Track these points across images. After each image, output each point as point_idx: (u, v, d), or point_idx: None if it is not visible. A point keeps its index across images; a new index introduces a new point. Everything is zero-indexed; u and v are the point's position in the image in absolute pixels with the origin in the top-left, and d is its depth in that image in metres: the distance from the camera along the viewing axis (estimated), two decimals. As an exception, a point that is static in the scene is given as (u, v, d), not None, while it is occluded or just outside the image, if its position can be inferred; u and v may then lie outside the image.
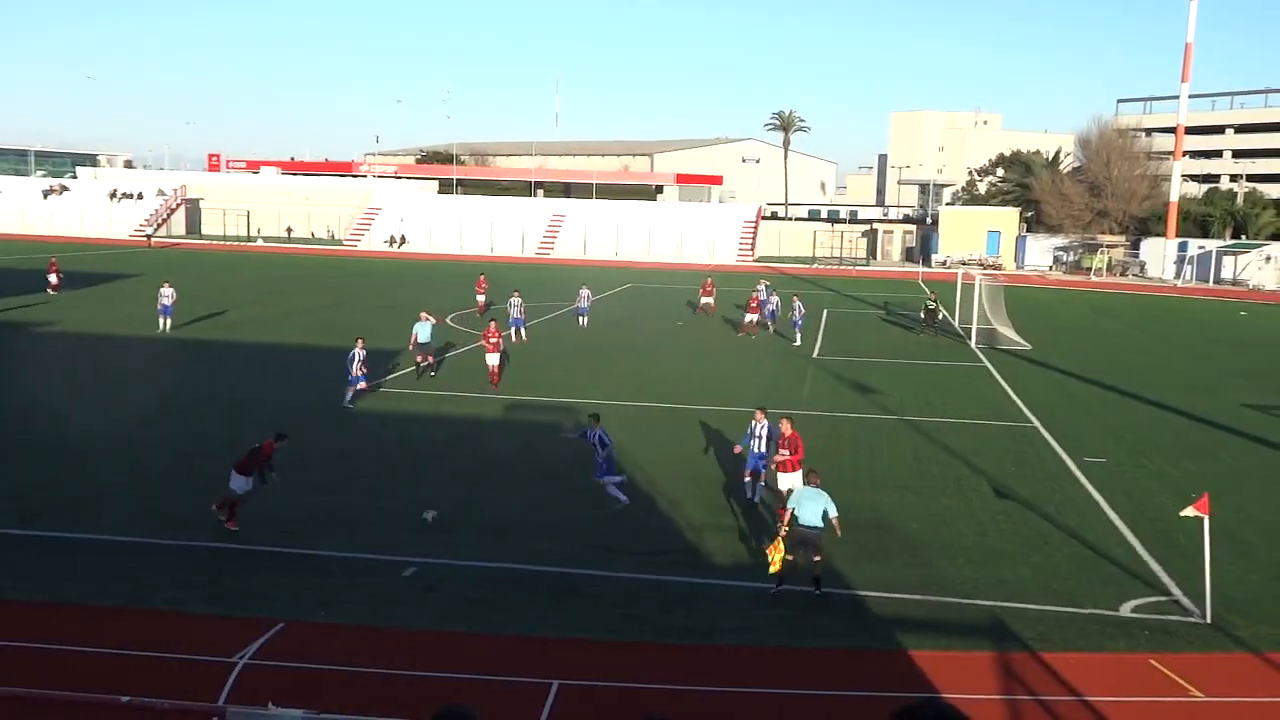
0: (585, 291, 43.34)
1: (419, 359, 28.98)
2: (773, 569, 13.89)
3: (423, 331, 29.12)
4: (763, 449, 17.89)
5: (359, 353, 25.06)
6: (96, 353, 33.19)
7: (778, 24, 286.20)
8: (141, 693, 9.43)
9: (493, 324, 29.49)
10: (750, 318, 41.24)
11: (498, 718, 8.66)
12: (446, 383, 28.50)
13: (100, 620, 12.81)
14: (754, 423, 18.08)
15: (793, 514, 14.11)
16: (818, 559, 13.92)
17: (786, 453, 17.14)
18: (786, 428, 17.46)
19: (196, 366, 31.32)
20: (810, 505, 14.06)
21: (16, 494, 17.63)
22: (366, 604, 13.50)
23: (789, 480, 16.65)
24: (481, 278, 45.14)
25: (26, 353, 32.67)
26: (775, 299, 42.94)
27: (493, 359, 28.31)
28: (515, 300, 37.36)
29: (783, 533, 14.14)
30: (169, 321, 36.80)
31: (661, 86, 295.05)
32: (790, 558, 13.87)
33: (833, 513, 14.06)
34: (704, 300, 46.80)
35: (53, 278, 46.92)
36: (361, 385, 25.22)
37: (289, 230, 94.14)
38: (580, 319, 42.29)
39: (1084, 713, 11.10)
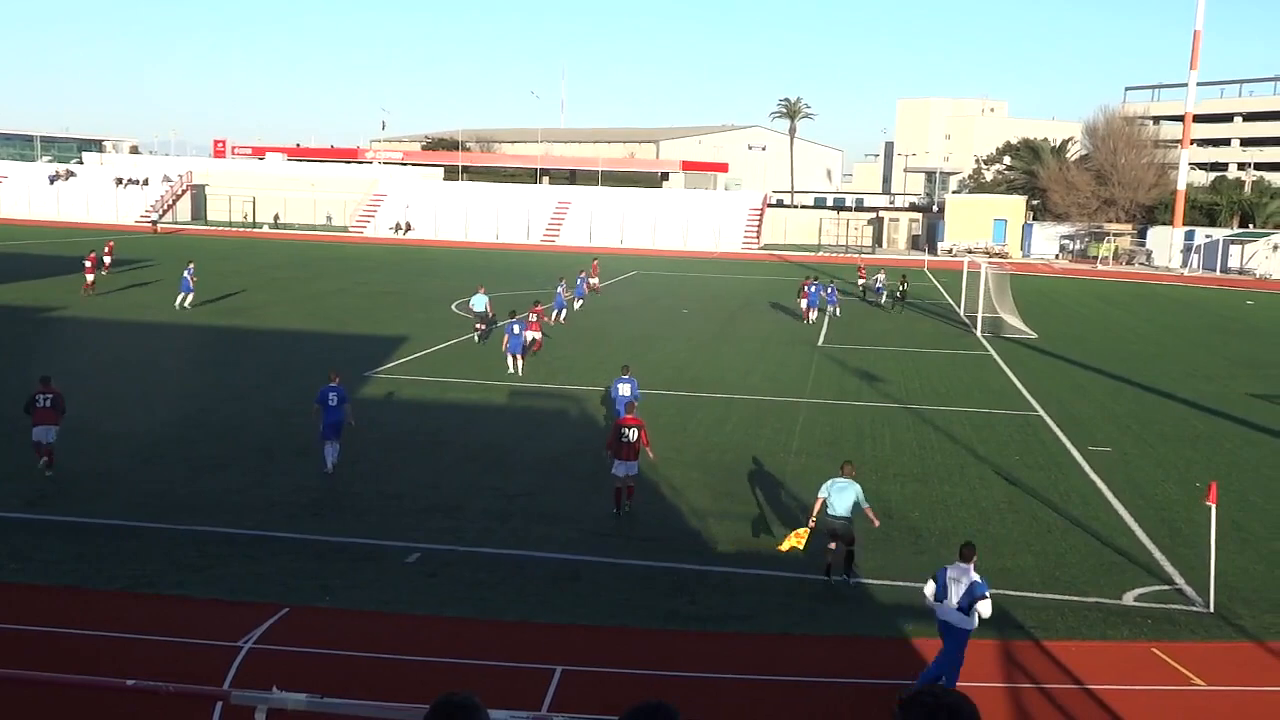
0: (582, 275, 45.11)
1: (477, 326, 33.06)
2: (780, 548, 14.14)
3: (477, 302, 32.59)
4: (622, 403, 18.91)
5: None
6: (104, 337, 33.26)
7: (784, 10, 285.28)
8: (146, 676, 9.45)
9: (539, 305, 32.05)
10: (804, 303, 42.02)
11: (501, 703, 8.66)
12: (450, 368, 28.55)
13: (105, 604, 12.87)
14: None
15: (823, 504, 14.03)
16: (832, 546, 13.99)
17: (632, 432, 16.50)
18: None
19: (203, 351, 31.38)
20: (841, 496, 13.99)
21: (22, 477, 17.68)
22: (370, 589, 13.55)
23: (624, 467, 16.37)
24: (594, 264, 46.47)
25: (35, 336, 32.73)
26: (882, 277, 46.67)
27: (534, 334, 30.76)
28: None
29: (811, 523, 14.13)
30: (189, 298, 38.22)
31: (668, 74, 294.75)
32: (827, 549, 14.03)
33: (864, 504, 14.07)
34: (804, 302, 42.23)
35: (104, 259, 47.48)
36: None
37: (276, 216, 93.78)
38: (576, 302, 42.89)
39: (1086, 700, 11.12)
